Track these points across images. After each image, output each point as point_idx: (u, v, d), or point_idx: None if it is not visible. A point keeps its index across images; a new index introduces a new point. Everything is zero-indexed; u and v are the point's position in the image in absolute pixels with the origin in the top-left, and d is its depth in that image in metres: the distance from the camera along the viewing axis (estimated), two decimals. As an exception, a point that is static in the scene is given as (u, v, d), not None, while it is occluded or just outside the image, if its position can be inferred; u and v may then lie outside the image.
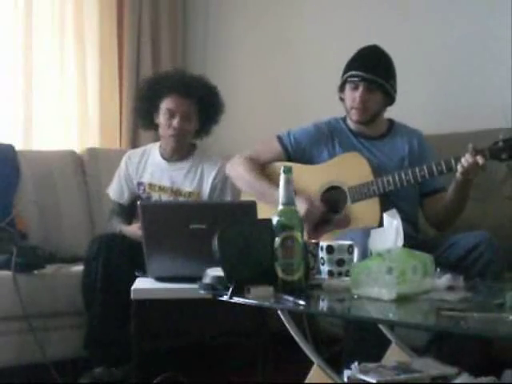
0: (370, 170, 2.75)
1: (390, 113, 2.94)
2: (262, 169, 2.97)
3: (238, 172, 3.00)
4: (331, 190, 2.83)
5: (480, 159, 2.47)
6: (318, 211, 2.79)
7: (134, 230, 3.03)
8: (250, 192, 2.96)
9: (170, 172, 3.22)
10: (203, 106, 3.18)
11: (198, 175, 3.20)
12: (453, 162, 2.55)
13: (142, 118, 3.30)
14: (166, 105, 3.12)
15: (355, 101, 2.81)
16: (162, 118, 3.15)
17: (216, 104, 3.25)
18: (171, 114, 3.11)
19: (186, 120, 3.13)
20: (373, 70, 2.79)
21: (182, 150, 3.22)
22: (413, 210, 2.84)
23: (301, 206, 2.73)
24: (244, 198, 3.02)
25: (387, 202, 2.66)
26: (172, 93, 3.11)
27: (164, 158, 3.25)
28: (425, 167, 2.62)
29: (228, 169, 3.07)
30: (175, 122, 3.11)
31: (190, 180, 3.20)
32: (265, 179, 2.90)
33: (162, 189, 3.22)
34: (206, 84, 3.24)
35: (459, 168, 2.52)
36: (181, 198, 3.19)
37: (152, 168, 3.25)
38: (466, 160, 2.50)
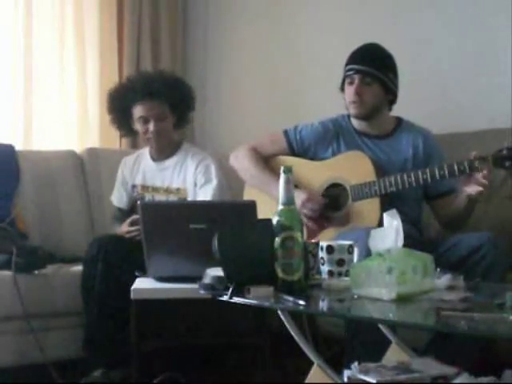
0: (374, 169, 2.74)
1: (391, 113, 2.94)
2: (267, 161, 2.98)
3: (243, 164, 3.01)
4: (333, 187, 2.83)
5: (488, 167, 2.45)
6: (317, 202, 2.78)
7: (122, 228, 3.09)
8: (254, 184, 2.96)
9: (160, 171, 3.26)
10: (173, 100, 3.21)
11: (183, 171, 3.23)
12: (456, 167, 2.53)
13: (120, 128, 3.36)
14: (138, 113, 3.17)
15: (352, 95, 2.80)
16: (138, 126, 3.20)
17: (184, 93, 3.29)
18: (145, 120, 3.16)
19: (160, 120, 3.16)
20: (368, 62, 2.78)
21: (167, 149, 3.26)
22: (414, 211, 2.83)
23: (298, 196, 2.73)
24: (247, 191, 3.04)
25: (388, 202, 2.65)
26: (139, 100, 3.15)
27: (153, 160, 3.29)
28: (427, 171, 2.60)
29: (231, 160, 3.07)
30: (151, 126, 3.15)
31: (176, 176, 3.23)
32: (270, 171, 2.90)
33: (154, 189, 3.26)
34: (169, 79, 3.28)
35: (481, 185, 2.48)
36: (171, 196, 3.22)
37: (144, 170, 3.30)
38: (483, 175, 2.46)
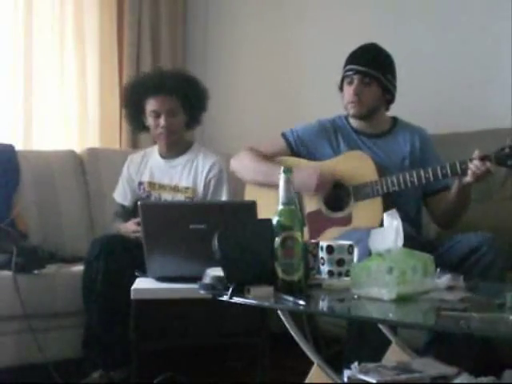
0: (375, 169, 2.75)
1: (390, 113, 2.94)
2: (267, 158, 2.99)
3: (244, 163, 3.02)
4: (335, 188, 2.83)
5: (490, 165, 2.45)
6: (328, 177, 2.80)
7: (127, 226, 3.08)
8: (258, 179, 2.95)
9: (168, 169, 3.26)
10: (186, 98, 3.22)
11: (193, 170, 3.22)
12: (458, 166, 2.54)
13: (132, 122, 3.36)
14: (150, 107, 3.18)
15: (350, 95, 2.82)
16: (149, 120, 3.21)
17: (198, 92, 3.29)
18: (157, 115, 3.17)
19: (171, 116, 3.17)
20: (367, 63, 2.80)
21: (176, 147, 3.25)
22: (415, 210, 2.84)
23: (311, 174, 2.78)
24: (249, 190, 3.03)
25: (390, 202, 2.66)
26: (153, 94, 3.17)
27: (162, 157, 3.29)
28: (430, 170, 2.61)
29: (232, 164, 3.08)
30: (162, 120, 3.16)
31: (185, 175, 3.23)
32: (271, 162, 2.92)
33: (161, 187, 3.25)
34: (184, 77, 3.30)
35: (470, 175, 2.50)
36: (179, 194, 3.21)
37: (152, 167, 3.29)
38: (476, 167, 2.48)
